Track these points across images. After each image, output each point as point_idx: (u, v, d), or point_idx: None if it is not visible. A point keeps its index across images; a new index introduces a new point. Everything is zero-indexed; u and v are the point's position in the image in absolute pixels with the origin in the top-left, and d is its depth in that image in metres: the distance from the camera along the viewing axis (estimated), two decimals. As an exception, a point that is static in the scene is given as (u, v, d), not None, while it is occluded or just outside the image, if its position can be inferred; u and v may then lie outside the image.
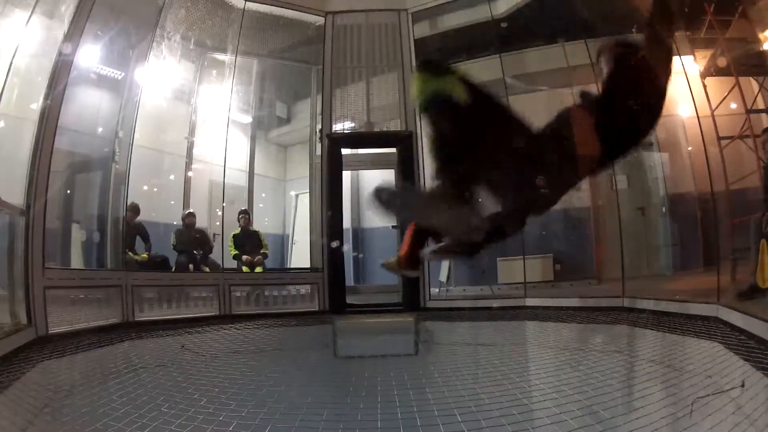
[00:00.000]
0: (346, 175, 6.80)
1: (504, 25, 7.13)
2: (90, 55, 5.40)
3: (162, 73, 6.53)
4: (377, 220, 8.03)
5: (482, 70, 7.43)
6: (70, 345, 3.82)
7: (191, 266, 6.25)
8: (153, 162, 6.88)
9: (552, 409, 2.32)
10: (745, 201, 4.73)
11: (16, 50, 4.09)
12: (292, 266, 8.20)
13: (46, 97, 4.27)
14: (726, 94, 5.18)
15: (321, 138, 6.55)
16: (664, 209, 6.81)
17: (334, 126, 6.55)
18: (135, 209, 5.99)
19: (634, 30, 7.31)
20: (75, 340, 3.98)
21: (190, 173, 7.25)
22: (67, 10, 4.54)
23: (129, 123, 5.88)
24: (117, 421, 2.20)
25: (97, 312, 4.70)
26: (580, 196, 7.10)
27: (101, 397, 2.64)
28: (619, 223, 5.94)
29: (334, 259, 6.01)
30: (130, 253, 5.72)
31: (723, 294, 4.01)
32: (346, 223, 7.25)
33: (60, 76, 4.34)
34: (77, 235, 5.69)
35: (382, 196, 1.76)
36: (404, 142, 6.25)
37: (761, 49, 5.06)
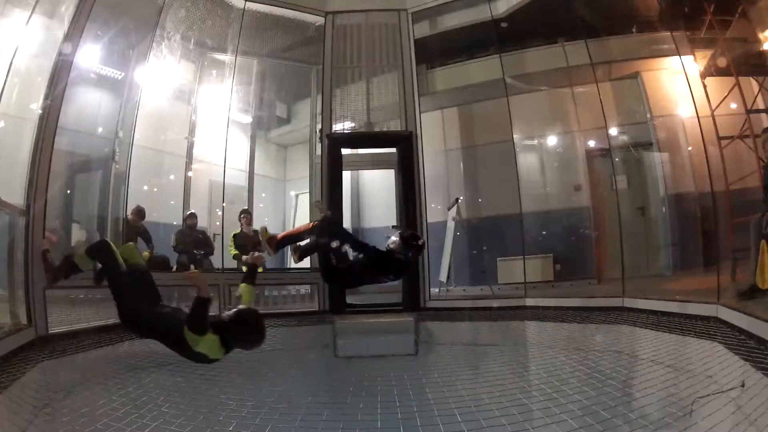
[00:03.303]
0: (346, 175, 6.80)
1: (504, 25, 7.13)
2: (90, 55, 5.40)
3: (162, 73, 6.53)
4: (377, 219, 8.06)
5: (482, 70, 7.45)
6: (70, 345, 3.82)
7: (192, 266, 6.24)
8: (153, 162, 6.88)
9: (552, 409, 2.32)
10: (745, 201, 4.73)
11: (16, 50, 4.08)
12: (292, 266, 8.19)
13: (46, 97, 4.27)
14: (726, 94, 5.18)
15: (321, 138, 6.55)
16: (664, 209, 6.81)
17: (334, 126, 6.54)
18: (140, 213, 5.95)
19: (633, 30, 7.35)
20: (75, 340, 3.98)
21: (190, 173, 7.25)
22: (67, 10, 4.53)
23: (129, 123, 5.88)
24: (117, 421, 2.20)
25: (97, 312, 4.69)
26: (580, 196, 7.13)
27: (101, 397, 2.64)
28: (619, 223, 5.93)
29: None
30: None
31: (723, 294, 4.00)
32: (346, 222, 7.25)
33: (60, 76, 4.33)
34: (77, 235, 5.70)
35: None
36: (404, 142, 6.24)
37: (761, 49, 5.06)
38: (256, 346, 2.49)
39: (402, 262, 3.68)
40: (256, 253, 3.40)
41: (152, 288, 2.77)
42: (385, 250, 3.72)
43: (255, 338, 2.44)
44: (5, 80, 3.94)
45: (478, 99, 7.73)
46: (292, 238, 3.92)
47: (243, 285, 3.02)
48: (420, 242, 3.78)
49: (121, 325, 2.77)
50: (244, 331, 2.43)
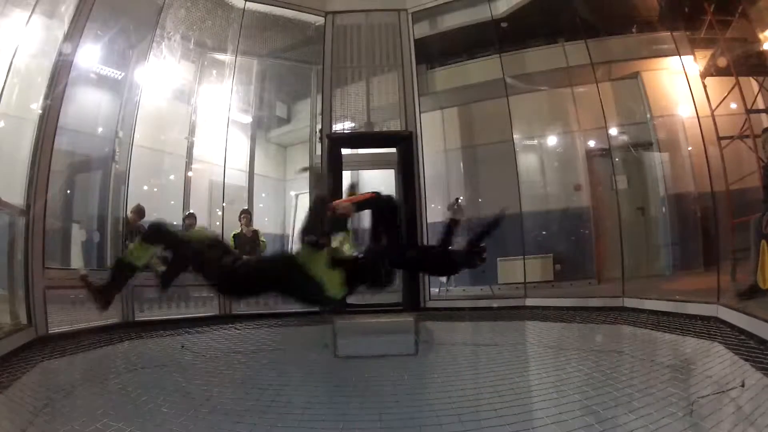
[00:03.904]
0: (346, 175, 6.80)
1: (504, 25, 7.13)
2: (90, 55, 5.40)
3: (162, 73, 6.53)
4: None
5: (482, 70, 7.45)
6: (70, 345, 3.82)
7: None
8: (153, 162, 6.88)
9: (552, 409, 2.32)
10: (745, 201, 4.73)
11: (16, 50, 4.09)
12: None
13: (46, 97, 4.27)
14: (726, 94, 5.18)
15: (321, 138, 6.55)
16: (664, 209, 6.80)
17: (334, 126, 6.55)
18: (140, 212, 5.94)
19: (633, 30, 7.35)
20: (75, 340, 3.98)
21: (190, 173, 7.25)
22: (67, 10, 4.54)
23: (129, 123, 5.88)
24: (117, 421, 2.20)
25: (97, 312, 4.69)
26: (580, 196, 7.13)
27: (101, 397, 2.64)
28: (619, 223, 5.93)
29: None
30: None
31: (723, 294, 4.00)
32: (346, 223, 7.23)
33: (60, 76, 4.33)
34: (77, 235, 5.69)
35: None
36: (404, 142, 6.25)
37: (761, 49, 5.06)
38: (387, 286, 2.44)
39: (453, 263, 3.46)
40: (344, 203, 3.18)
41: (230, 248, 2.68)
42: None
43: (387, 278, 2.40)
44: (5, 80, 3.94)
45: (478, 99, 7.72)
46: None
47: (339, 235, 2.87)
48: (484, 255, 3.39)
49: (227, 294, 2.80)
50: (378, 267, 2.38)
